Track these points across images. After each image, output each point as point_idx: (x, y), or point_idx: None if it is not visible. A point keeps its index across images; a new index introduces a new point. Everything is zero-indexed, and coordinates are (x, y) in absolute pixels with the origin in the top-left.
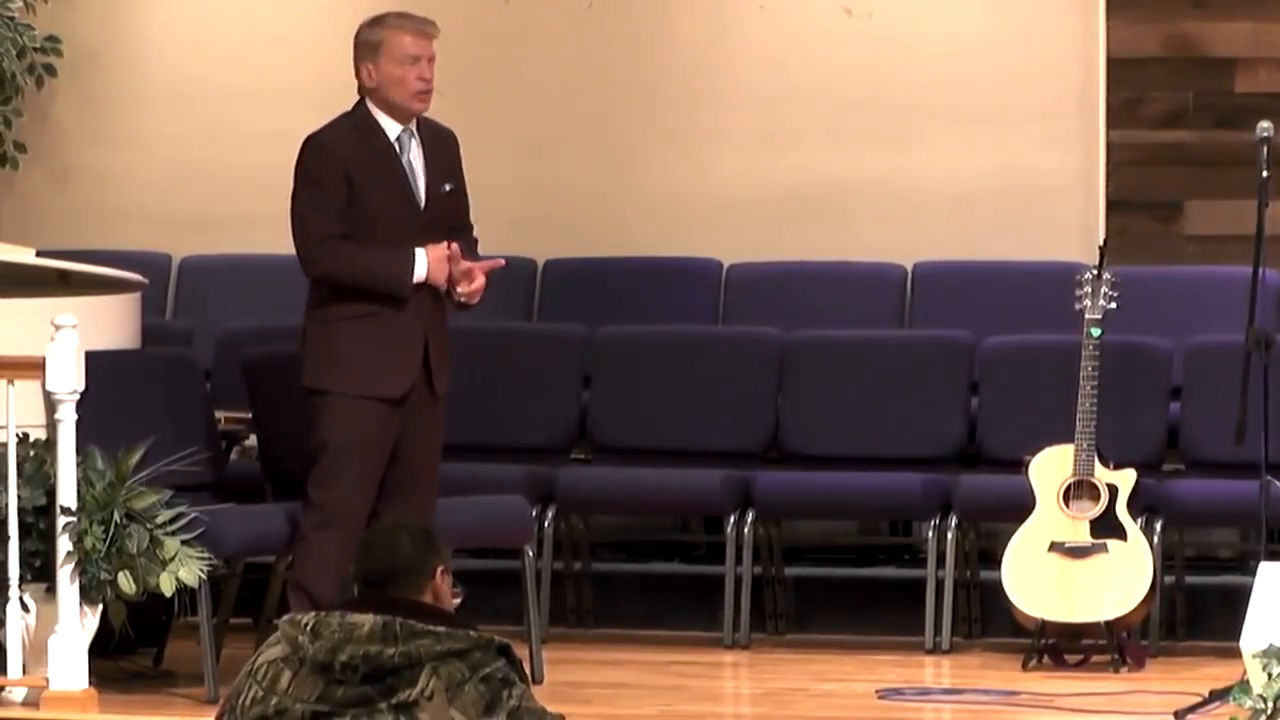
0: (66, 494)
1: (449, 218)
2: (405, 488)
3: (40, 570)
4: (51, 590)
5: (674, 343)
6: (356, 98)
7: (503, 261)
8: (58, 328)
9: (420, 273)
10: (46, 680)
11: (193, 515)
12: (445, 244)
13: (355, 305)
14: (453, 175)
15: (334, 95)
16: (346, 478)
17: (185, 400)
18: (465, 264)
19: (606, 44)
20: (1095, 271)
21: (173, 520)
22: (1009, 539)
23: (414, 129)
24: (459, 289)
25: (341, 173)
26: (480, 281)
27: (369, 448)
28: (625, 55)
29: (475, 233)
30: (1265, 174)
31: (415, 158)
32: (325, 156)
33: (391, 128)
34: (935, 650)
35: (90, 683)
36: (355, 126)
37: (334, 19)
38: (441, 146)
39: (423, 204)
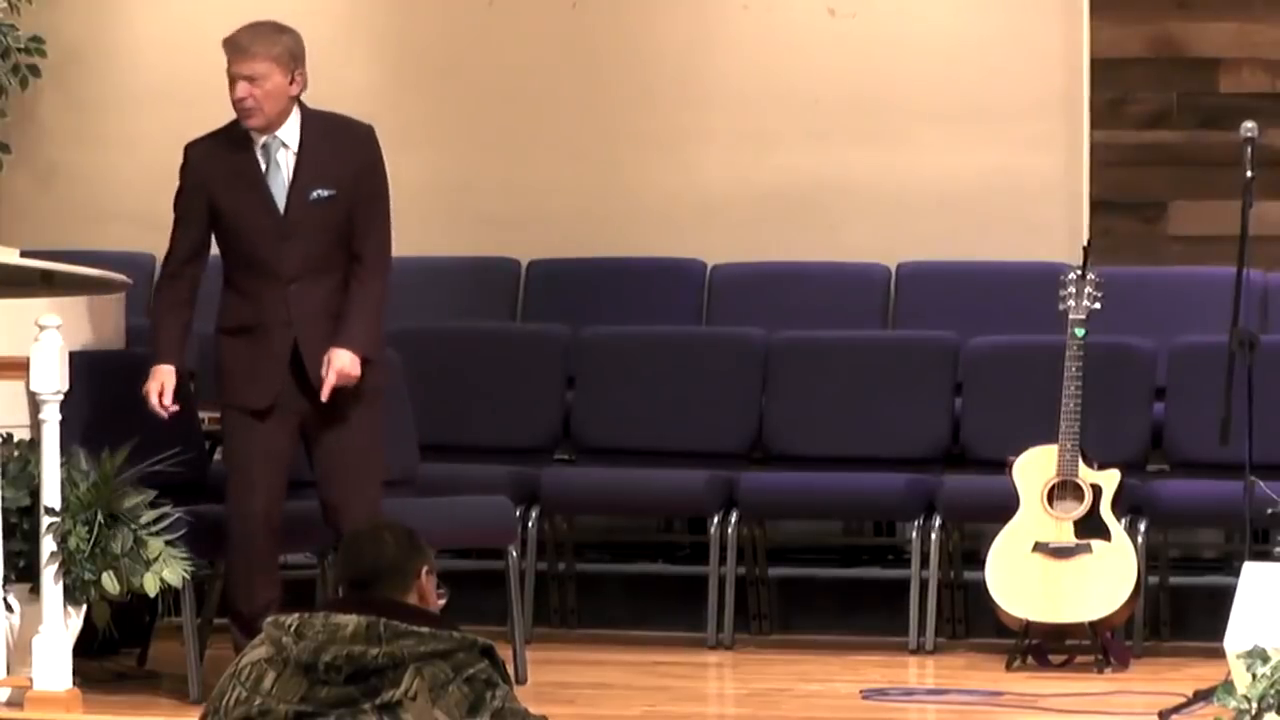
0: (51, 494)
1: (325, 224)
2: (327, 502)
3: (24, 570)
4: (36, 590)
5: (658, 343)
6: (332, 100)
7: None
8: (42, 328)
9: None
10: (30, 680)
11: (177, 515)
12: (160, 387)
13: (232, 318)
14: (339, 180)
15: (314, 97)
16: (234, 488)
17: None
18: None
19: (590, 44)
20: (1079, 272)
21: (157, 520)
22: (993, 539)
23: (286, 136)
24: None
25: (198, 183)
26: (333, 372)
27: (249, 458)
28: (609, 55)
29: (381, 250)
30: (1250, 174)
31: (284, 164)
32: (185, 168)
33: (257, 136)
34: (919, 650)
35: (74, 683)
36: (229, 136)
37: (316, 21)
38: (329, 148)
39: (282, 211)
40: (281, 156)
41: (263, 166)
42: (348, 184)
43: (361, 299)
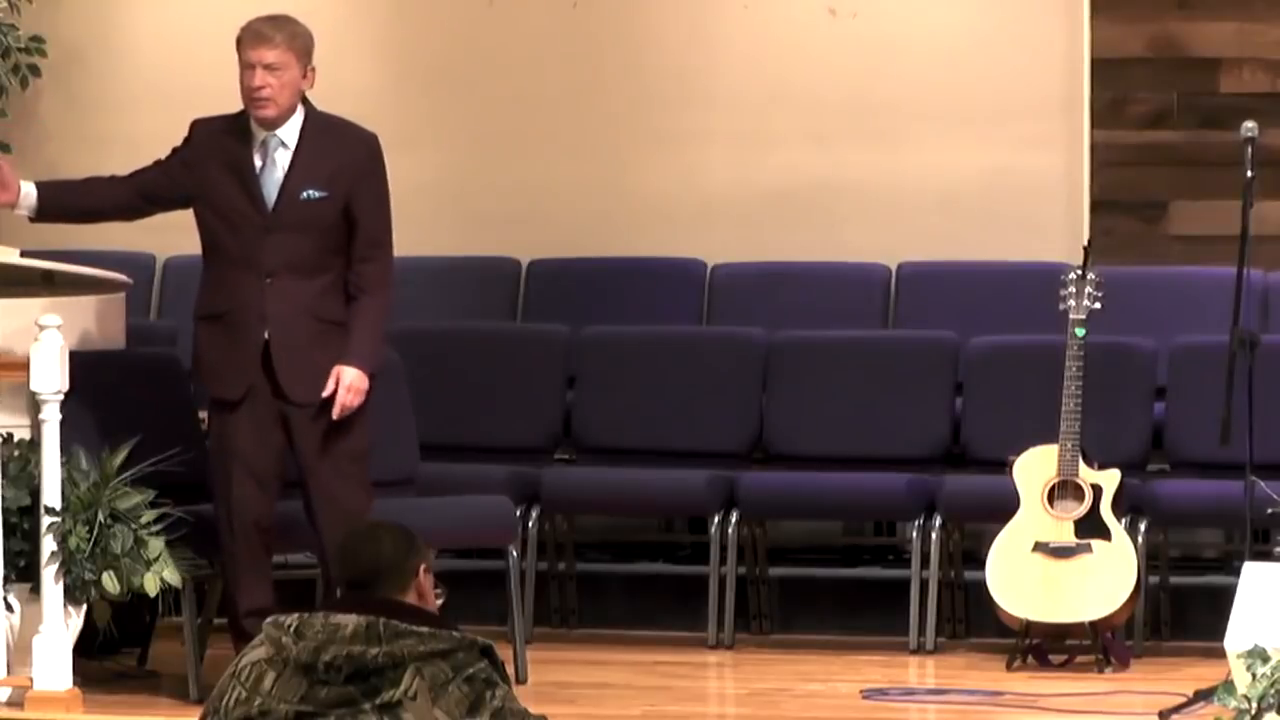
0: (51, 494)
1: (313, 224)
2: (309, 503)
3: (25, 570)
4: (36, 590)
5: (659, 343)
6: (332, 100)
7: None
8: (42, 328)
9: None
10: (31, 680)
11: (177, 515)
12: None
13: (208, 305)
14: (333, 182)
15: (316, 97)
16: (218, 482)
17: (170, 400)
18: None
19: (591, 44)
20: (1080, 272)
21: (157, 520)
22: (993, 539)
23: (286, 135)
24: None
25: (193, 159)
26: (344, 389)
27: (223, 453)
28: (610, 55)
29: (383, 264)
30: (1250, 174)
31: (280, 162)
32: (188, 141)
33: (259, 132)
34: (920, 650)
35: (75, 683)
36: (230, 127)
37: (316, 21)
38: (326, 149)
39: (270, 206)
40: (279, 155)
41: (258, 164)
42: (341, 188)
43: (365, 314)
